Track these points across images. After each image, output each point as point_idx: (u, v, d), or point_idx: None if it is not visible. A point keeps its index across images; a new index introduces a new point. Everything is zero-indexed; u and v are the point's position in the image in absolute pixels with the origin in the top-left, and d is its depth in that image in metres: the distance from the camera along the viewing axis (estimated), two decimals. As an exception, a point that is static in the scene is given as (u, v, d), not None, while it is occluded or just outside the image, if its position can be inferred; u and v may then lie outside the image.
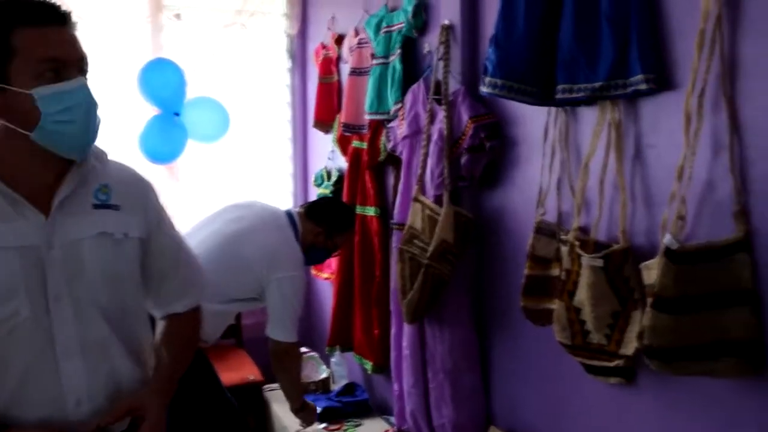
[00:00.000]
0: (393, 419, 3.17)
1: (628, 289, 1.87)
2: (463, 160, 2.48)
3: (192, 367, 1.74)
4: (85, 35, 1.49)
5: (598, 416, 2.15)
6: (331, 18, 3.86)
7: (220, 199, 3.39)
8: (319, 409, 3.23)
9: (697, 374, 1.70)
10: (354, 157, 3.49)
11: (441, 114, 2.55)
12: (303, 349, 3.48)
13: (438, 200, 2.55)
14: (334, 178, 3.85)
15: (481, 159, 2.47)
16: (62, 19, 1.38)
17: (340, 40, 3.75)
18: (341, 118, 3.53)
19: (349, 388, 3.56)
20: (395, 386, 3.01)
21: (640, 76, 1.79)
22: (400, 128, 2.85)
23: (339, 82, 3.84)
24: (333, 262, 3.74)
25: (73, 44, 1.40)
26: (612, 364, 1.95)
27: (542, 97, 2.07)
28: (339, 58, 3.81)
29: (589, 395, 2.16)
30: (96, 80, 1.47)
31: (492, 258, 2.58)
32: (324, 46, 3.93)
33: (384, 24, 3.09)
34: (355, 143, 3.48)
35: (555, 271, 2.15)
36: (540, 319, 2.22)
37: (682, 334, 1.64)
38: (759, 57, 1.58)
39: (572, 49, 1.94)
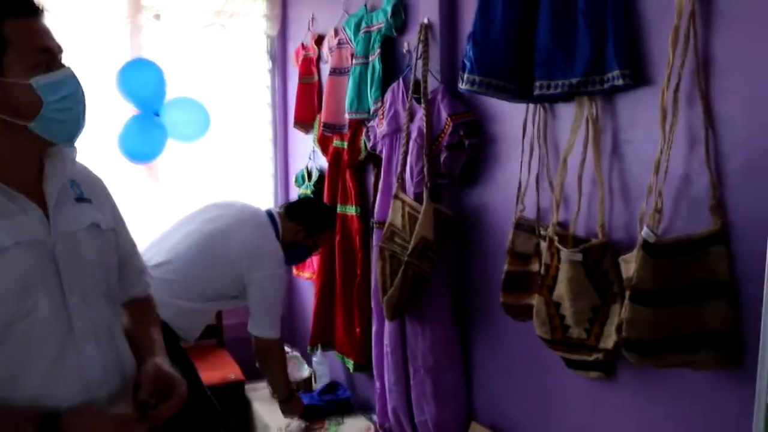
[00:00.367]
0: (375, 417, 3.18)
1: (607, 282, 1.89)
2: (443, 157, 2.49)
3: (173, 365, 1.75)
4: (64, 34, 1.50)
5: (578, 410, 2.16)
6: (310, 18, 3.86)
7: (200, 200, 3.37)
8: (301, 408, 3.23)
9: (676, 366, 1.71)
10: (334, 157, 3.49)
11: (420, 112, 2.56)
12: (285, 349, 3.47)
13: (418, 198, 2.56)
14: (314, 178, 3.85)
15: (461, 156, 2.48)
16: (41, 10, 1.41)
17: (320, 40, 3.75)
18: (321, 117, 3.53)
19: (331, 387, 3.56)
20: (377, 384, 3.02)
21: (616, 72, 1.81)
22: (380, 126, 2.86)
23: (319, 82, 3.84)
24: (314, 261, 3.74)
25: (53, 35, 1.43)
26: (591, 358, 1.97)
27: (520, 94, 2.08)
28: (319, 59, 3.81)
29: (569, 390, 2.18)
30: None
31: (472, 255, 2.59)
32: (304, 47, 3.93)
33: (363, 24, 3.10)
34: (336, 143, 3.48)
35: (534, 267, 2.17)
36: (520, 314, 2.24)
37: (660, 326, 1.66)
38: (732, 53, 1.61)
39: (549, 45, 1.95)
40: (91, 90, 1.54)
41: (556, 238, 2.00)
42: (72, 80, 1.43)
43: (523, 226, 2.22)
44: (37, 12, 1.40)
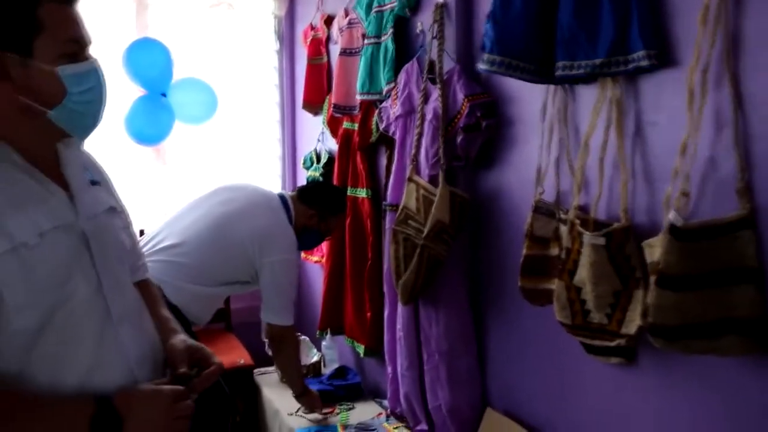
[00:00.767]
0: (386, 402, 3.15)
1: (629, 267, 1.85)
2: (459, 139, 2.45)
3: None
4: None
5: (596, 396, 2.14)
6: (319, -2, 3.81)
7: (207, 182, 3.35)
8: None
9: (701, 353, 1.68)
10: (345, 139, 3.46)
11: (435, 93, 2.52)
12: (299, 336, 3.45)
13: (433, 180, 2.52)
14: (323, 161, 3.82)
15: (477, 138, 2.45)
16: None
17: (329, 20, 3.71)
18: (331, 99, 3.49)
19: (341, 372, 3.54)
20: (389, 369, 2.99)
21: (641, 52, 1.76)
22: (393, 108, 2.81)
23: (329, 63, 3.80)
24: (323, 245, 3.71)
25: (85, 26, 1.41)
26: (613, 344, 1.94)
27: (540, 74, 2.04)
28: (328, 39, 3.76)
29: (588, 375, 2.15)
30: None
31: (488, 238, 2.55)
32: (313, 27, 3.89)
33: (375, 3, 3.04)
34: (346, 124, 3.44)
35: (554, 251, 2.14)
36: (538, 299, 2.20)
37: (687, 311, 1.62)
38: (764, 32, 1.56)
39: (572, 25, 1.91)
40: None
41: (577, 221, 1.96)
42: (97, 73, 1.42)
43: (542, 210, 2.18)
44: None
